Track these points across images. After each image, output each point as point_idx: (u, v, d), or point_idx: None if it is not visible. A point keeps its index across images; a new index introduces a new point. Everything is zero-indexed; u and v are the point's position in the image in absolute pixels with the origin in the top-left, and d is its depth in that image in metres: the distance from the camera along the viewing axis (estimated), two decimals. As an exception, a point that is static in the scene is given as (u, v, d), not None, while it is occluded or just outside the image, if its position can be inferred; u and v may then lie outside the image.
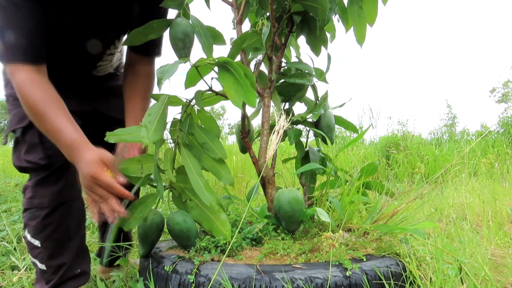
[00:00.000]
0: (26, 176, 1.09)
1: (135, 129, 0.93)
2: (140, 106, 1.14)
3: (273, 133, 0.91)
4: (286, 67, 1.26)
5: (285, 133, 1.21)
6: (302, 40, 1.31)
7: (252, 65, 1.22)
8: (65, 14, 1.01)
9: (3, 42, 0.93)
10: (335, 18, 1.26)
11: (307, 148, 1.28)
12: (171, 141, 1.03)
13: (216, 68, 0.96)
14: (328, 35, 1.30)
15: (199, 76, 0.99)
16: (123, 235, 1.41)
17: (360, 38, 1.22)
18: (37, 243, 1.07)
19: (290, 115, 1.24)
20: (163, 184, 0.98)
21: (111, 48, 1.20)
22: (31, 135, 1.05)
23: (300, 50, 1.37)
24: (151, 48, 1.17)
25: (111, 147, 1.01)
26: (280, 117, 0.96)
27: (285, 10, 1.17)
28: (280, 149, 3.93)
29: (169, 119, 1.00)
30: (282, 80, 1.23)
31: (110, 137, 0.91)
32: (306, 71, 1.21)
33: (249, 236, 1.00)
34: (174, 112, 1.09)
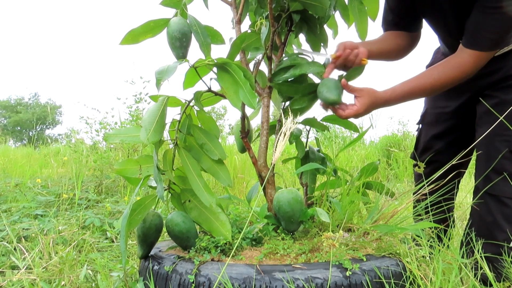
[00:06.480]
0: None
1: (134, 129, 0.93)
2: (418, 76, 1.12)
3: (280, 135, 0.89)
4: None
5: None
6: (302, 37, 1.31)
7: (251, 65, 1.22)
8: None
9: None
10: (337, 14, 1.26)
11: (307, 148, 1.27)
12: (171, 142, 1.03)
13: (215, 69, 0.96)
14: (330, 31, 1.30)
15: (198, 77, 0.99)
16: None
17: (362, 34, 1.22)
18: None
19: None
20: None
21: None
22: None
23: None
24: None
25: None
26: (286, 118, 0.94)
27: (284, 9, 1.17)
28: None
29: (169, 120, 1.00)
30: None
31: (109, 136, 0.91)
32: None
33: (249, 236, 1.00)
34: (173, 113, 1.09)
